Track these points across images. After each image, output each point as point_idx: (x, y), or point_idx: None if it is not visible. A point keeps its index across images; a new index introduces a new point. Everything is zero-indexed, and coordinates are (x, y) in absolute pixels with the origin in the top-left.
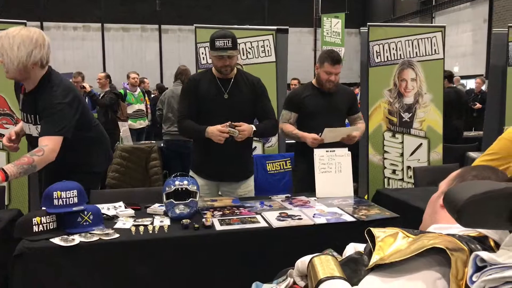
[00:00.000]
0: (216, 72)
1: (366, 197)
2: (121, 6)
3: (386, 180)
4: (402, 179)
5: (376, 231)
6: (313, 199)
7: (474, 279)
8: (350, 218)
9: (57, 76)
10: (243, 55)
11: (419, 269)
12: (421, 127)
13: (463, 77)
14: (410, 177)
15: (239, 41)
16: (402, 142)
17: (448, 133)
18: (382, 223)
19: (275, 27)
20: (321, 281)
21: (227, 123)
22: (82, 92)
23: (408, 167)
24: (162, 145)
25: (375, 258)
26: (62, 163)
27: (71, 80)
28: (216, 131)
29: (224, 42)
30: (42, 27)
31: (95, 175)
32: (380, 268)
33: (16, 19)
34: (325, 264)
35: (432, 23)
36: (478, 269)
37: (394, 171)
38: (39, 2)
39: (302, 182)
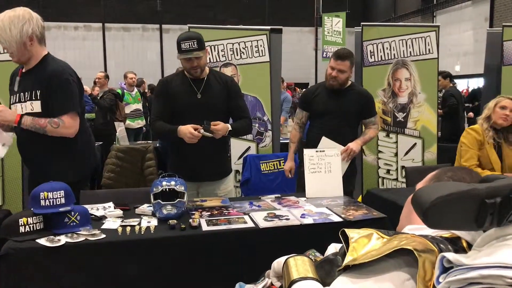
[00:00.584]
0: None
1: (360, 198)
2: (122, 6)
3: (380, 180)
4: (396, 179)
5: (350, 232)
6: (303, 199)
7: (440, 280)
8: (337, 218)
9: (58, 59)
10: (237, 55)
11: (388, 270)
12: (415, 127)
13: (464, 76)
14: (404, 177)
15: (233, 41)
16: (396, 142)
17: (455, 132)
18: (369, 223)
19: (269, 27)
20: (293, 282)
21: (201, 127)
22: None
23: (403, 167)
24: (158, 145)
25: (348, 259)
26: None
27: None
28: (188, 132)
29: (189, 44)
30: None
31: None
32: (351, 269)
33: None
34: (300, 265)
35: (433, 21)
36: (445, 270)
37: (388, 171)
38: (39, 2)
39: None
